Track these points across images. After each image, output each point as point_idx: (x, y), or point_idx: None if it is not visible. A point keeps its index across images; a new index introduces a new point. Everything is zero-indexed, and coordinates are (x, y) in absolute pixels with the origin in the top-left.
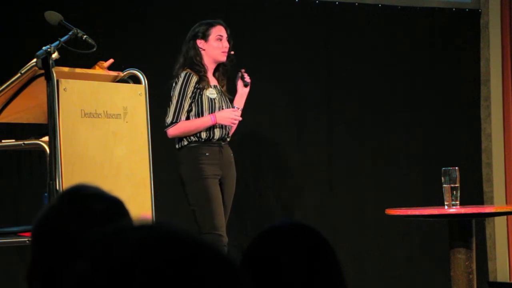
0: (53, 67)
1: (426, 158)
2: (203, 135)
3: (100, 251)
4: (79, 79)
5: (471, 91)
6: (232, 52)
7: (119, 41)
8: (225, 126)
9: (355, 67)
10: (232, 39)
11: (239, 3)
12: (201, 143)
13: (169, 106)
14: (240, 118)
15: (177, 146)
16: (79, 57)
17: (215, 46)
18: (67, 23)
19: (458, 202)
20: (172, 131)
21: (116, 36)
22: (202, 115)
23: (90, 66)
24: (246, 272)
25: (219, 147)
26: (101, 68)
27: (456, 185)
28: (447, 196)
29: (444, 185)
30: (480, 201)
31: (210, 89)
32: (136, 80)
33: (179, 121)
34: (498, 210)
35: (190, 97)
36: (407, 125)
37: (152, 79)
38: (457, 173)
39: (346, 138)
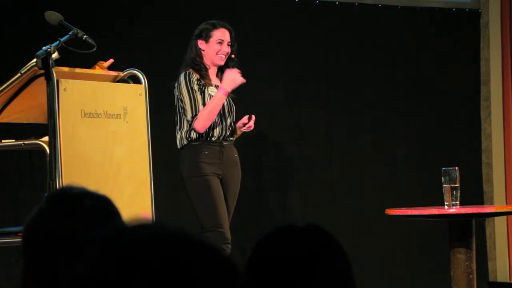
0: (53, 67)
1: (426, 158)
2: (203, 134)
3: (100, 251)
4: (79, 79)
5: (471, 91)
6: (233, 56)
7: (119, 41)
8: (225, 124)
9: (355, 67)
10: (236, 42)
11: (239, 3)
12: (201, 142)
13: (183, 108)
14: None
15: (178, 146)
16: (79, 57)
17: (214, 49)
18: (67, 23)
19: (458, 202)
20: (196, 124)
21: (116, 36)
22: None
23: (90, 66)
24: (249, 272)
25: (219, 146)
26: (101, 68)
27: (456, 185)
28: (447, 196)
29: (444, 185)
30: (480, 201)
31: (211, 87)
32: (136, 80)
33: (198, 113)
34: (498, 210)
35: (199, 90)
36: (407, 125)
37: (152, 79)
38: (457, 173)
39: (346, 138)
